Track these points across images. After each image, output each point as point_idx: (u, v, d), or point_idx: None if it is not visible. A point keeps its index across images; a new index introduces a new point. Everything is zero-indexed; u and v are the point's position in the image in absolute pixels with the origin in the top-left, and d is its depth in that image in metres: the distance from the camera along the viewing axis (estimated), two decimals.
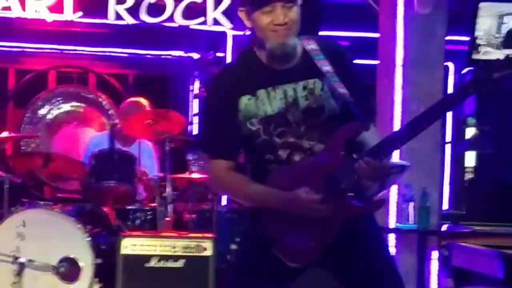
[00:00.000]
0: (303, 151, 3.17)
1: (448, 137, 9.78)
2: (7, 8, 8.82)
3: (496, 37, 7.49)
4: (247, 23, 3.17)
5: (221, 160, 3.28)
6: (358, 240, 3.22)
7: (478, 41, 7.53)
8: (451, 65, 9.98)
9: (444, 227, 6.98)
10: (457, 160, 10.26)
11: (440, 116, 3.12)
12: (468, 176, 10.63)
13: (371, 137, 3.13)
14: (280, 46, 3.12)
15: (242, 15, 3.18)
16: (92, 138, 7.21)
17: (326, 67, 3.15)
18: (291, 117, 3.17)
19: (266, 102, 3.18)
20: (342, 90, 3.13)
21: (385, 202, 3.35)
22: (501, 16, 7.47)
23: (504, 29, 7.44)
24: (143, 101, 7.04)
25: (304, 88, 3.17)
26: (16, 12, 8.82)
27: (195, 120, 10.02)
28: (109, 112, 9.29)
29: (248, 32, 9.38)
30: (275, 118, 3.18)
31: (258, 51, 3.22)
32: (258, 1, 3.07)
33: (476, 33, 7.53)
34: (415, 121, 3.00)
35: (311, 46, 3.20)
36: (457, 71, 10.35)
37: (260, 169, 3.26)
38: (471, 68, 9.76)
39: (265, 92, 3.19)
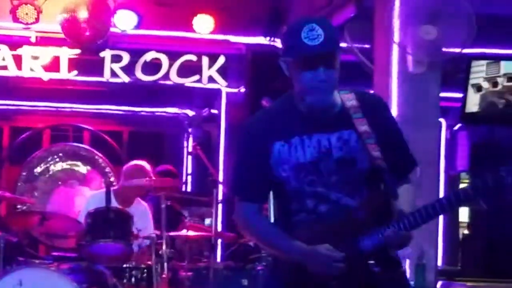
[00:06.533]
0: (330, 203, 3.19)
1: (442, 192, 9.80)
2: (4, 67, 8.91)
3: None
4: (287, 73, 3.21)
5: (250, 203, 3.30)
6: None
7: None
8: (443, 121, 10.05)
9: (439, 284, 6.97)
10: (451, 215, 10.27)
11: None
12: (463, 231, 10.64)
13: (400, 201, 3.16)
14: (320, 102, 3.15)
15: (283, 65, 3.21)
16: (90, 196, 7.22)
17: (363, 126, 3.18)
18: (323, 166, 3.18)
19: (300, 150, 3.20)
20: (376, 153, 3.16)
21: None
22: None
23: None
24: (147, 165, 7.11)
25: (339, 139, 3.20)
26: (12, 71, 8.91)
27: (189, 178, 10.05)
28: (105, 170, 9.31)
29: (242, 89, 9.48)
30: (307, 166, 3.19)
31: (296, 99, 3.24)
32: (302, 64, 3.11)
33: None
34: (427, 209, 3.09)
35: (351, 102, 3.23)
36: (449, 127, 10.43)
37: (284, 218, 3.28)
38: (462, 124, 9.86)
39: (299, 140, 3.21)
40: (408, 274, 6.38)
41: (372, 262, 3.12)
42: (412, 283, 6.36)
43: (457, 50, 6.54)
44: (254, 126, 3.33)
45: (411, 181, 3.32)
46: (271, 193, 3.35)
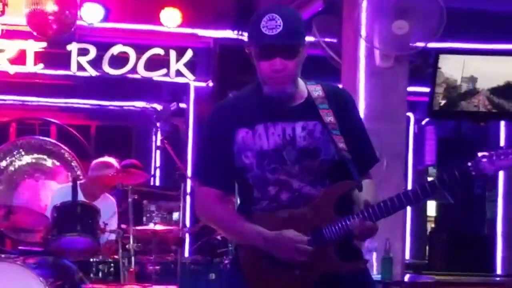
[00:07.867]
0: (292, 191, 3.18)
1: (409, 186, 9.85)
2: None
3: None
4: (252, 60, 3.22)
5: (211, 188, 3.27)
6: None
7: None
8: (411, 116, 10.10)
9: (406, 277, 7.00)
10: (419, 209, 10.34)
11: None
12: (430, 225, 10.72)
13: (364, 193, 3.16)
14: (276, 92, 3.15)
15: (248, 53, 3.21)
16: (57, 190, 7.18)
17: (329, 117, 3.19)
18: (286, 155, 3.18)
19: (264, 137, 3.19)
20: (342, 144, 3.17)
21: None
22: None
23: None
24: (113, 161, 7.08)
25: (303, 128, 3.20)
26: None
27: (157, 172, 10.02)
28: (72, 164, 9.25)
29: (210, 83, 9.46)
30: (270, 153, 3.18)
31: (261, 87, 3.24)
32: (260, 53, 3.12)
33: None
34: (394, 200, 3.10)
35: (318, 93, 3.24)
36: (417, 122, 10.49)
37: (246, 206, 3.25)
38: (429, 119, 9.92)
39: (264, 127, 3.21)
40: (375, 267, 6.42)
41: (334, 250, 3.12)
42: (379, 276, 6.40)
43: (423, 44, 6.56)
44: (219, 113, 3.33)
45: (371, 176, 3.33)
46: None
